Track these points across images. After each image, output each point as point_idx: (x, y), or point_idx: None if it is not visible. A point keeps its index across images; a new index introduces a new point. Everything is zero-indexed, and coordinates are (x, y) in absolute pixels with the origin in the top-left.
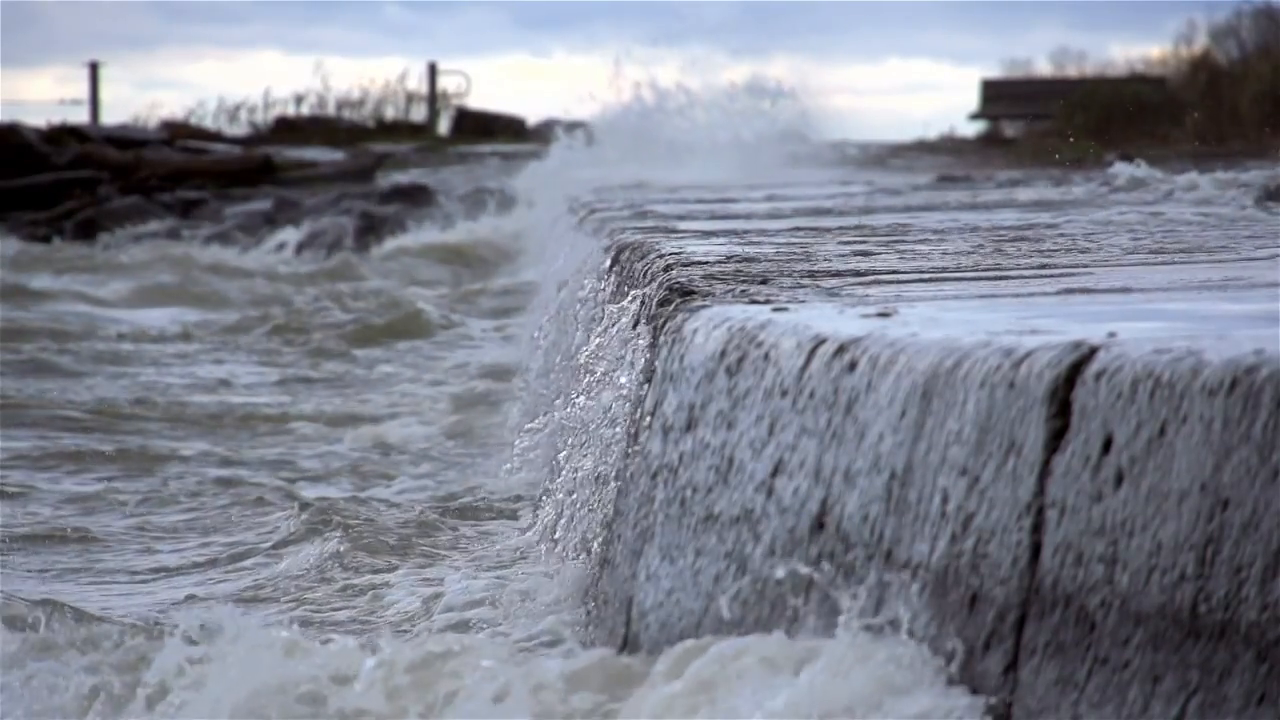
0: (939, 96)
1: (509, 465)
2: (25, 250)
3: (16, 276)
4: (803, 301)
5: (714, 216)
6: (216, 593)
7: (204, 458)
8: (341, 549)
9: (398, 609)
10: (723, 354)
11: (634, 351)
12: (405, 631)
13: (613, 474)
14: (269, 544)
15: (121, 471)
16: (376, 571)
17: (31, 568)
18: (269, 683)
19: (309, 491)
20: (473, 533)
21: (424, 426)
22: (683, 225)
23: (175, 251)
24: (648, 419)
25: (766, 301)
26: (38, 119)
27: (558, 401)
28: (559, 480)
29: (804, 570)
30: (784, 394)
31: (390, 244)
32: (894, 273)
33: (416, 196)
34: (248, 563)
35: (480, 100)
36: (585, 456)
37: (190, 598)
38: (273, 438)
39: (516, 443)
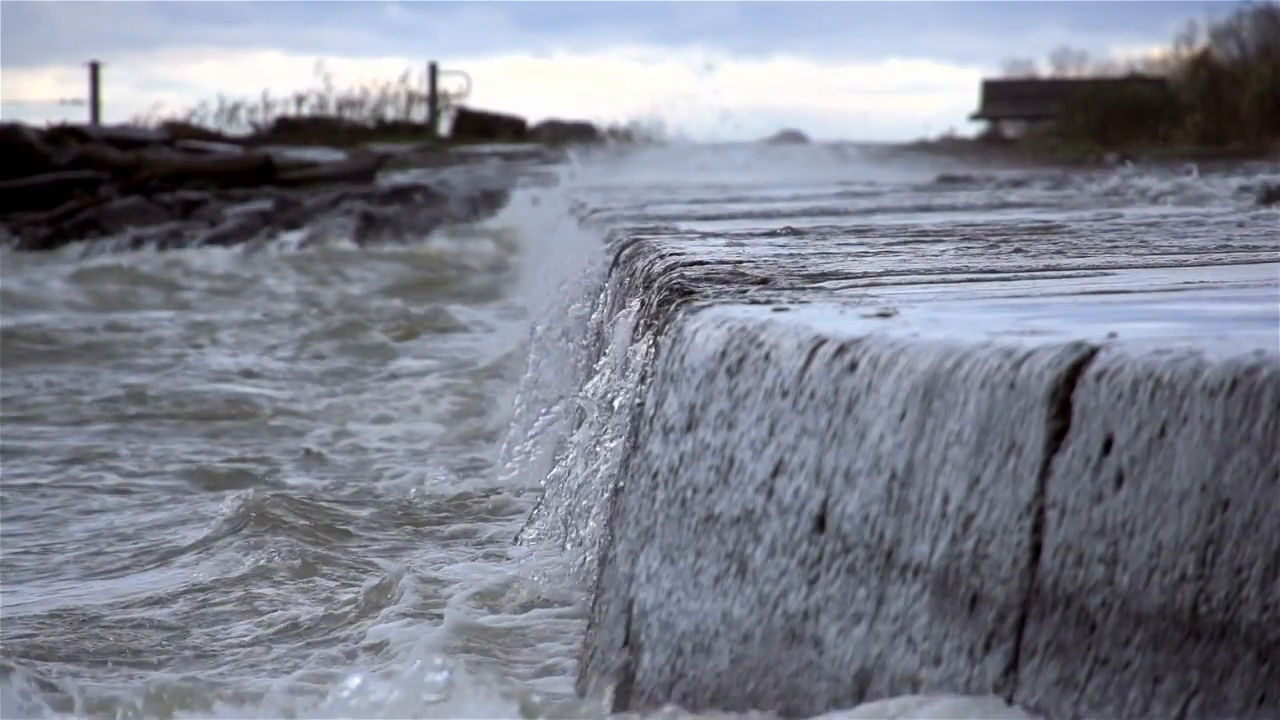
0: (939, 97)
1: (507, 464)
2: (11, 256)
3: (6, 281)
4: (803, 302)
5: (715, 217)
6: (162, 590)
7: (187, 453)
8: (326, 547)
9: (377, 608)
10: (723, 354)
11: (634, 352)
12: (379, 629)
13: (613, 474)
14: (248, 540)
15: (101, 466)
16: (364, 571)
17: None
18: None
19: (300, 483)
20: (471, 530)
21: (420, 424)
22: (683, 225)
23: (169, 256)
24: (648, 419)
25: (767, 302)
26: (38, 119)
27: (557, 401)
28: (558, 479)
29: (805, 571)
30: (784, 394)
31: (387, 247)
32: (895, 273)
33: (417, 197)
34: (221, 557)
35: (481, 100)
36: (585, 456)
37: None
38: (268, 433)
39: (515, 442)
